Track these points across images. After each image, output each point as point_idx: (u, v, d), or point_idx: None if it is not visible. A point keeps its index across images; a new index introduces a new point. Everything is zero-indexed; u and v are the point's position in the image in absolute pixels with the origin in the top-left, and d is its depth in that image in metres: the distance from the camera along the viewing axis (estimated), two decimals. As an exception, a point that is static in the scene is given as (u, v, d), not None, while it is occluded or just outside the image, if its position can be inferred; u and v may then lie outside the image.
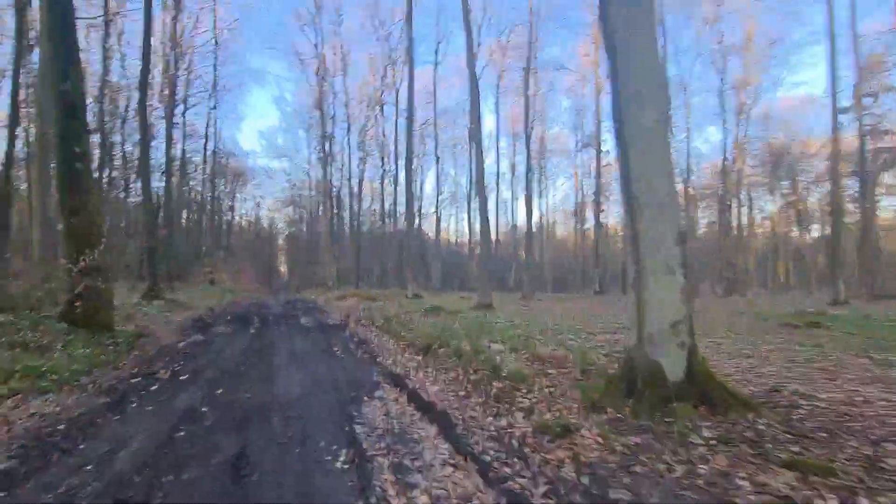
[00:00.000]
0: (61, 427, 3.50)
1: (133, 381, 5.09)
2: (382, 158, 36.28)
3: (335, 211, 36.46)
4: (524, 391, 4.18)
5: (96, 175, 24.06)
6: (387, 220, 38.94)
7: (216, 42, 29.41)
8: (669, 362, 3.42)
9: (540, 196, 38.16)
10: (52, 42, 7.35)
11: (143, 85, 15.52)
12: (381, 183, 37.96)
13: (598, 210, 28.26)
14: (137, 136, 21.22)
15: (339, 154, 36.37)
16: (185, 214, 36.13)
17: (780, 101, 33.61)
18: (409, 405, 4.09)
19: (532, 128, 25.53)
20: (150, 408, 4.04)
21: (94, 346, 6.46)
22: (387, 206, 38.89)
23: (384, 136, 34.53)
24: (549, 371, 4.75)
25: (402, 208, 37.09)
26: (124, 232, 25.44)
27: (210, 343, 7.71)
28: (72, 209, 7.04)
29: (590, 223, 42.07)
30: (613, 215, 34.03)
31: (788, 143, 29.58)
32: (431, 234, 44.73)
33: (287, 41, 52.62)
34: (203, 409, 3.99)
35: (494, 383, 4.45)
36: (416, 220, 34.75)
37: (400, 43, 30.50)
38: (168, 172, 26.14)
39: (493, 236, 43.05)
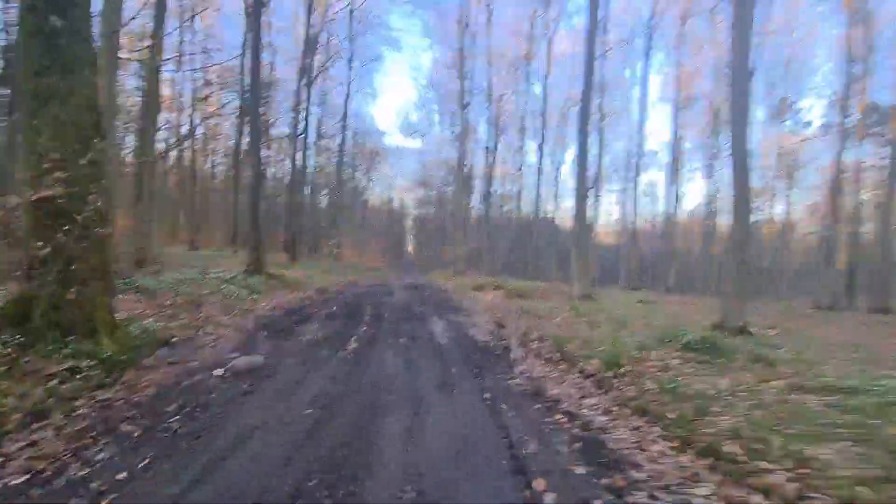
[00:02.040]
0: None
1: None
2: (523, 129, 31.09)
3: (465, 190, 32.45)
4: None
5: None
6: (522, 203, 33.97)
7: (351, 11, 26.96)
8: None
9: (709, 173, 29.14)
10: None
11: (255, 50, 12.82)
12: (519, 161, 32.82)
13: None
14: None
15: (473, 130, 32.39)
16: (324, 191, 36.02)
17: None
18: None
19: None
20: None
21: (22, 385, 2.94)
22: (518, 188, 34.03)
23: (525, 104, 29.11)
24: None
25: (531, 193, 31.95)
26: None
27: (265, 380, 3.82)
28: (41, 94, 3.61)
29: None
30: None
31: None
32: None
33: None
34: None
35: None
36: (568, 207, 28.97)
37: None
38: (294, 146, 24.79)
39: (634, 227, 34.91)
